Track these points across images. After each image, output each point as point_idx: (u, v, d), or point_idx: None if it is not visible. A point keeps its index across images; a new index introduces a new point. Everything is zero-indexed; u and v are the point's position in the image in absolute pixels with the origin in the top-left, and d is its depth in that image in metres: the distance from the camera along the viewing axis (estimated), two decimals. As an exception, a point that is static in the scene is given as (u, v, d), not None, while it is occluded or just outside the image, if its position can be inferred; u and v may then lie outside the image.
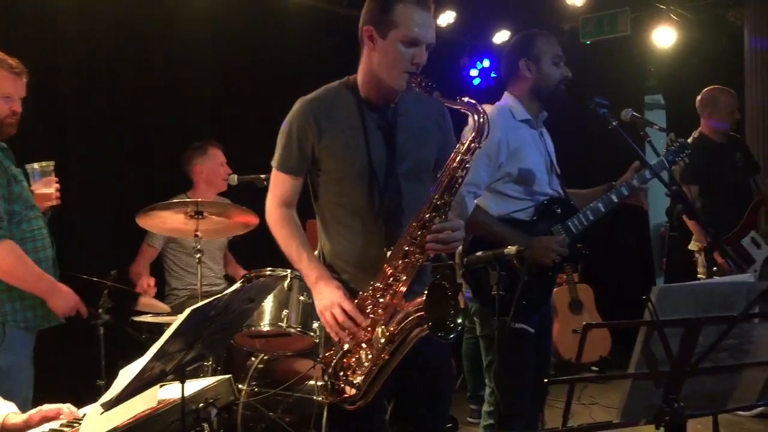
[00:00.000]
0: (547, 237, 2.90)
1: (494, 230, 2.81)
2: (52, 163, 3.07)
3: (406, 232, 2.12)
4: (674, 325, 1.82)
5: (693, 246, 4.57)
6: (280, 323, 3.49)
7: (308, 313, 3.59)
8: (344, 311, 2.13)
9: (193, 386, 2.75)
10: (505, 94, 3.06)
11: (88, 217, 4.31)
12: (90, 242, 4.29)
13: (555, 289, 5.59)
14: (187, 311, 2.06)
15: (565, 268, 5.53)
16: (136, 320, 3.68)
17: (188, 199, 3.62)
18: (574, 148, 4.90)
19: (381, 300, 2.13)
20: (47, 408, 2.20)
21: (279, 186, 2.35)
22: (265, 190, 3.88)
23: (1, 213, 2.71)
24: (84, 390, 3.19)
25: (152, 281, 3.94)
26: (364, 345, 2.15)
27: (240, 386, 3.62)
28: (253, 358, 3.78)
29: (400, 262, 2.11)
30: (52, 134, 4.19)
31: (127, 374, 2.05)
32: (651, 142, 3.29)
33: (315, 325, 3.61)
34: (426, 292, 2.01)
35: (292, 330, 3.53)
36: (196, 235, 3.48)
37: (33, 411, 2.20)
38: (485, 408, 3.02)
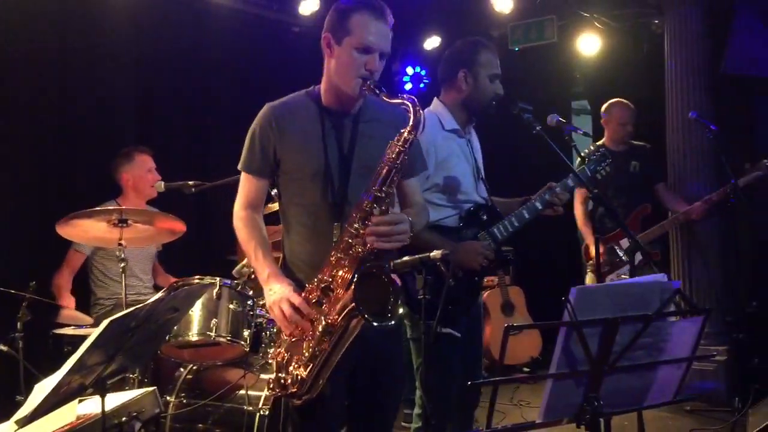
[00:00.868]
0: (474, 242, 2.94)
1: (422, 237, 2.83)
2: None
3: (348, 224, 2.17)
4: (592, 325, 1.87)
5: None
6: (209, 332, 3.42)
7: (238, 321, 3.53)
8: (292, 305, 2.17)
9: (115, 400, 2.68)
10: (436, 100, 3.08)
11: (4, 226, 4.15)
12: (7, 253, 4.12)
13: (487, 292, 5.70)
14: (106, 322, 2.01)
15: (498, 273, 5.63)
16: (58, 333, 3.56)
17: (111, 207, 3.52)
18: (502, 154, 5.00)
19: (327, 292, 2.18)
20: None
21: (244, 187, 2.43)
22: (193, 196, 3.90)
23: None
24: (2, 407, 3.07)
25: (72, 302, 3.83)
26: (309, 338, 2.17)
27: (168, 398, 3.53)
28: (181, 369, 3.69)
29: (343, 253, 2.17)
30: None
31: (42, 389, 1.98)
32: (576, 146, 3.40)
33: (246, 333, 3.56)
34: (355, 280, 2.05)
35: (222, 339, 3.46)
36: (120, 244, 3.39)
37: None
38: (416, 411, 3.03)
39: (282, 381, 2.21)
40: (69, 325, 3.59)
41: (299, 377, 2.17)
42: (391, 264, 2.19)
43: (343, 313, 2.09)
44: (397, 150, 2.17)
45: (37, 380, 2.18)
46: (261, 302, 3.79)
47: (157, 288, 4.29)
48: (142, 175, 4.15)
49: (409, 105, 2.18)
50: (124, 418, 2.59)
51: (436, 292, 2.44)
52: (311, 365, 2.15)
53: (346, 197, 2.31)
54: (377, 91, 2.22)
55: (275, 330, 3.72)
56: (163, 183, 3.93)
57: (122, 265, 3.40)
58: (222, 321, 3.48)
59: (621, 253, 4.62)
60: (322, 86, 2.39)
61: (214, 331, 3.43)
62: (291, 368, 2.19)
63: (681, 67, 5.30)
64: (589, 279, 4.82)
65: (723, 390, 4.96)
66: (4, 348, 3.31)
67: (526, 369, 5.75)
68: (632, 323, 1.90)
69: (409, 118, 2.17)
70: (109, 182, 4.21)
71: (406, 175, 2.42)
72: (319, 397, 2.19)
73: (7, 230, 4.17)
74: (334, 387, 2.20)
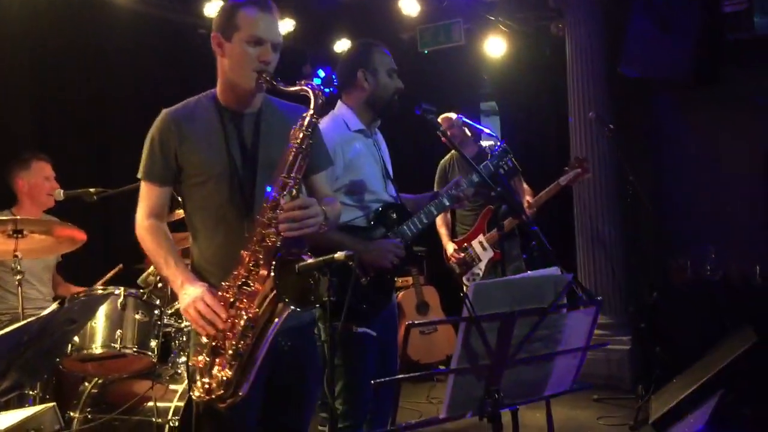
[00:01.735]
0: (384, 241, 2.96)
1: (332, 238, 2.83)
2: None
3: (260, 215, 2.15)
4: (490, 319, 1.91)
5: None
6: (113, 344, 3.34)
7: (145, 332, 3.45)
8: (206, 305, 2.13)
9: (11, 418, 2.56)
10: (339, 103, 3.10)
11: None
12: None
13: (401, 293, 5.75)
14: (-7, 337, 1.92)
15: (411, 272, 5.69)
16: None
17: (5, 217, 3.36)
18: (407, 154, 5.06)
19: (244, 288, 2.15)
20: None
21: (146, 196, 2.36)
22: (94, 204, 3.76)
23: None
24: None
25: None
26: (231, 337, 2.13)
27: (72, 414, 3.42)
28: (86, 383, 3.57)
29: (257, 246, 2.14)
30: None
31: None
32: (482, 145, 3.52)
33: (153, 343, 3.47)
34: (273, 267, 2.04)
35: (128, 351, 3.38)
36: (16, 256, 3.24)
37: None
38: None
39: (207, 386, 2.16)
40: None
41: (224, 378, 2.12)
42: (297, 267, 2.17)
43: (264, 304, 2.07)
44: (302, 134, 2.16)
45: None
46: (169, 311, 3.71)
47: (58, 299, 4.12)
48: (38, 183, 3.98)
49: (309, 90, 2.18)
50: (20, 437, 2.48)
51: (343, 293, 2.45)
52: (235, 364, 2.11)
53: (254, 197, 2.28)
54: (274, 82, 2.22)
55: (184, 339, 3.66)
56: (62, 191, 3.78)
57: (18, 277, 3.25)
58: (128, 332, 3.39)
59: (473, 253, 4.78)
60: (218, 87, 2.36)
61: (119, 342, 3.34)
62: (214, 371, 2.15)
63: (581, 68, 5.52)
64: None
65: (627, 378, 5.18)
66: None
67: (442, 367, 5.83)
68: (529, 316, 1.96)
69: (310, 102, 2.18)
70: (4, 190, 4.03)
71: (313, 170, 2.42)
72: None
73: None
74: (252, 389, 2.16)
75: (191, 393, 2.20)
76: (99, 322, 3.35)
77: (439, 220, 4.94)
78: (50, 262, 4.11)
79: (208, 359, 2.16)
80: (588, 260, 5.50)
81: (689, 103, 5.97)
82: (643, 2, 5.26)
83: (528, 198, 4.85)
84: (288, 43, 6.12)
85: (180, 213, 3.05)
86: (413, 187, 3.36)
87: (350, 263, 2.30)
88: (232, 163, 2.28)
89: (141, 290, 3.62)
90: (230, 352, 2.12)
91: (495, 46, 6.33)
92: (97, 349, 3.31)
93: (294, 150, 2.16)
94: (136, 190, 2.43)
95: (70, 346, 3.26)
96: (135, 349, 3.38)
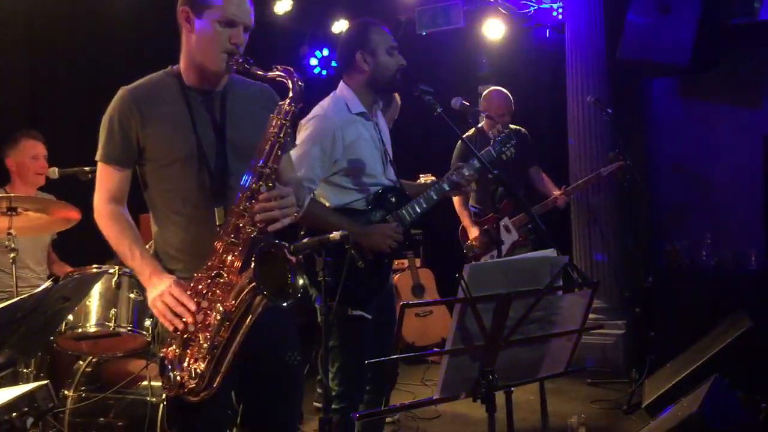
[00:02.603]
0: (382, 224, 2.95)
1: (329, 221, 2.82)
2: None
3: (236, 205, 2.07)
4: (486, 300, 1.90)
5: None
6: (108, 323, 3.32)
7: (140, 310, 3.44)
8: (174, 297, 2.05)
9: (4, 395, 2.55)
10: (341, 84, 3.07)
11: None
12: None
13: (397, 275, 5.75)
14: (-15, 314, 1.91)
15: (407, 255, 5.68)
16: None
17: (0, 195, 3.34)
18: (408, 136, 5.03)
19: (218, 279, 2.07)
20: None
21: (105, 180, 2.24)
22: (90, 183, 3.73)
23: None
24: None
25: None
26: (203, 329, 2.06)
27: (66, 392, 3.40)
28: (80, 362, 3.56)
29: (232, 237, 2.06)
30: None
31: None
32: (482, 128, 3.48)
33: (147, 323, 3.46)
34: (254, 260, 1.97)
35: (122, 329, 3.37)
36: (10, 234, 3.22)
37: None
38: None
39: (178, 378, 2.07)
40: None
41: (197, 371, 2.05)
42: (291, 246, 2.15)
43: (241, 296, 2.01)
44: (279, 123, 2.08)
45: None
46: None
47: (52, 278, 4.11)
48: (25, 161, 3.96)
49: (286, 77, 2.10)
50: (14, 414, 2.47)
51: (338, 273, 2.44)
52: (209, 357, 2.04)
53: (225, 179, 2.19)
54: (247, 65, 2.12)
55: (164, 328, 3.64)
56: (57, 169, 3.75)
57: (12, 255, 3.24)
58: (122, 311, 3.38)
59: (494, 236, 4.70)
60: (182, 64, 2.25)
61: (113, 321, 3.33)
62: (185, 364, 2.07)
63: (580, 53, 5.49)
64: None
65: (621, 362, 5.20)
66: None
67: (437, 349, 5.83)
68: (524, 298, 1.95)
69: (288, 89, 2.10)
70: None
71: None
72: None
73: None
74: (224, 379, 2.08)
75: (162, 385, 2.11)
76: (93, 300, 3.33)
77: (459, 202, 4.89)
78: (45, 240, 4.10)
79: (178, 351, 2.08)
80: (583, 245, 5.50)
81: (687, 87, 5.95)
82: (644, -15, 5.23)
83: (556, 192, 4.93)
84: (285, 23, 6.11)
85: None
86: (412, 172, 3.33)
87: (345, 245, 2.30)
88: (200, 145, 2.18)
89: (136, 269, 3.61)
90: (205, 345, 2.05)
91: (494, 29, 6.29)
92: (91, 327, 3.30)
93: (271, 139, 2.08)
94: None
95: (64, 324, 3.25)
96: (129, 328, 3.37)
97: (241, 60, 2.13)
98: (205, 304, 2.06)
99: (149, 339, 3.45)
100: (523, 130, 5.17)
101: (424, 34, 6.35)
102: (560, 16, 5.86)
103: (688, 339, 4.40)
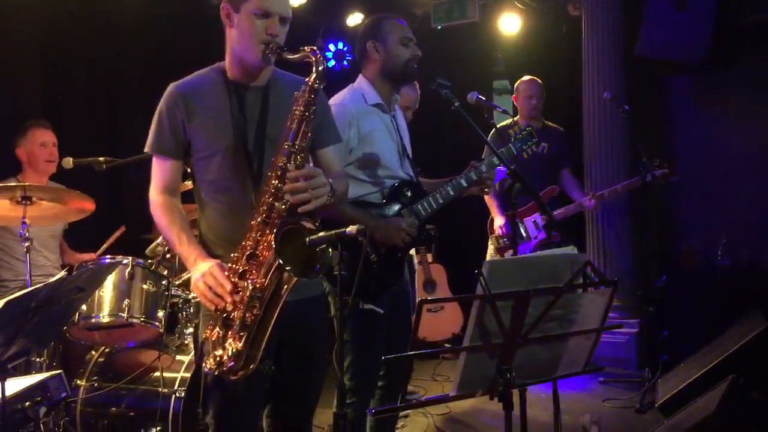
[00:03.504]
0: (397, 218, 2.93)
1: (345, 212, 2.81)
2: None
3: (265, 184, 2.13)
4: (504, 297, 1.88)
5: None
6: (121, 313, 3.34)
7: (153, 301, 3.45)
8: (214, 277, 2.12)
9: (17, 384, 2.56)
10: (359, 77, 3.09)
11: None
12: None
13: (409, 270, 5.72)
14: (1, 303, 1.90)
15: (419, 250, 5.65)
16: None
17: (13, 183, 3.34)
18: (425, 132, 5.00)
19: (252, 259, 2.13)
20: None
21: (157, 171, 2.35)
22: (103, 173, 3.74)
23: None
24: None
25: None
26: (240, 307, 2.11)
27: (79, 382, 3.42)
28: (93, 352, 3.57)
29: (264, 216, 2.12)
30: None
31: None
32: (495, 124, 3.43)
33: (160, 314, 3.47)
34: (275, 236, 2.02)
35: (135, 320, 3.38)
36: (24, 222, 3.22)
37: None
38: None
39: (218, 358, 2.14)
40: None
41: (235, 350, 2.11)
42: (307, 240, 2.14)
43: (269, 273, 2.05)
44: (305, 100, 2.14)
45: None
46: (177, 282, 3.70)
47: (65, 267, 4.12)
48: (33, 150, 3.97)
49: (311, 56, 2.15)
50: (27, 403, 2.48)
51: (354, 267, 2.42)
52: (244, 335, 2.10)
53: (262, 171, 2.26)
54: (279, 51, 2.19)
55: (191, 310, 3.65)
56: (71, 159, 3.75)
57: (26, 244, 3.24)
58: (135, 301, 3.39)
59: (523, 231, 4.71)
60: (227, 59, 2.34)
61: (126, 312, 3.34)
62: (227, 343, 2.13)
63: (597, 49, 5.45)
64: (491, 251, 4.91)
65: (634, 361, 5.17)
66: None
67: (447, 345, 5.81)
68: (543, 295, 1.93)
69: (313, 68, 2.14)
70: (12, 158, 4.02)
71: (321, 144, 2.39)
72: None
73: None
74: (262, 362, 2.14)
75: (204, 365, 2.17)
76: (107, 291, 3.35)
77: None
78: (57, 229, 4.10)
79: (221, 332, 2.15)
80: (598, 243, 5.46)
81: (703, 85, 5.89)
82: (662, -18, 5.16)
83: (586, 197, 4.88)
84: (300, 16, 6.06)
85: (188, 184, 3.02)
86: (432, 166, 3.30)
87: (361, 239, 2.28)
88: (240, 138, 2.26)
89: (149, 260, 3.61)
90: (237, 322, 2.10)
91: (510, 24, 6.24)
92: (104, 318, 3.32)
93: (297, 117, 2.14)
94: (145, 160, 2.40)
95: (77, 314, 3.26)
96: (142, 319, 3.38)
97: (277, 50, 2.18)
98: (242, 283, 2.12)
99: (162, 330, 3.46)
100: (561, 129, 5.13)
101: (439, 28, 6.31)
102: (577, 12, 5.81)
103: (702, 339, 4.35)
